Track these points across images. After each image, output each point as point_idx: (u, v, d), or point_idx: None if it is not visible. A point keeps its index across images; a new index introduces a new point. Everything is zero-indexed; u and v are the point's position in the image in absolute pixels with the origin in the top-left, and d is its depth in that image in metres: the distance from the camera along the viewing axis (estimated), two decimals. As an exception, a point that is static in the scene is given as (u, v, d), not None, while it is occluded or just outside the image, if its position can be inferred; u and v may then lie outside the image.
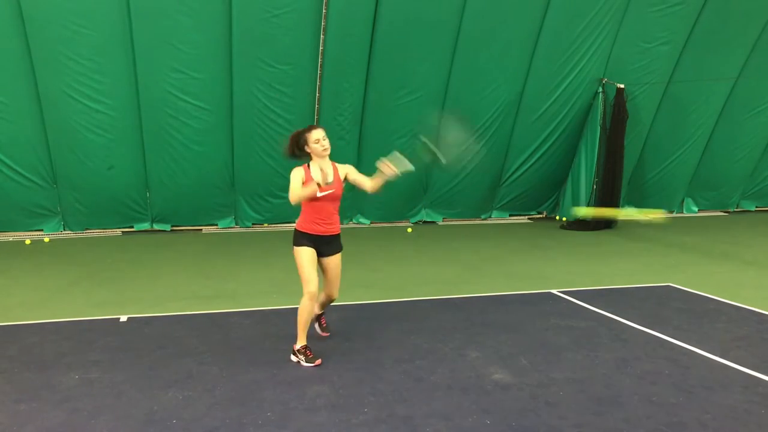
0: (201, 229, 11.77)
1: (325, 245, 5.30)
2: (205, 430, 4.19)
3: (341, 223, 5.54)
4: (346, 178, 5.36)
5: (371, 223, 12.49)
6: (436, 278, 8.37)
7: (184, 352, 5.53)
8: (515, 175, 12.81)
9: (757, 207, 14.92)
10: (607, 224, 12.33)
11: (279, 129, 11.05)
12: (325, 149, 5.20)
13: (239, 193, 11.64)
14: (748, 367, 5.25)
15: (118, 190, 11.03)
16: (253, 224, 11.98)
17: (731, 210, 14.71)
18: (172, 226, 11.68)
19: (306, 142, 5.20)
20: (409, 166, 5.10)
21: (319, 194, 5.09)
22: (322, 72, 10.72)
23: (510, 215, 13.40)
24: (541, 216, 13.70)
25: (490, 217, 13.24)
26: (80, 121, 10.30)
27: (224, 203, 11.72)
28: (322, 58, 10.59)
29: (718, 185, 14.26)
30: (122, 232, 11.42)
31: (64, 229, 11.21)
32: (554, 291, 7.64)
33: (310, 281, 5.13)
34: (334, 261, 5.38)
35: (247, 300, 7.26)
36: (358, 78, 10.97)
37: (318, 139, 5.18)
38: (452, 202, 12.77)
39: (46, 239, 10.78)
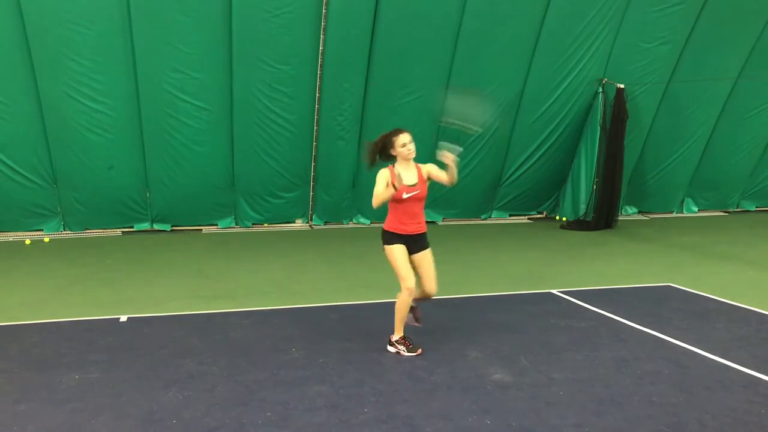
0: (201, 229, 11.76)
1: (414, 243, 5.47)
2: (205, 430, 4.19)
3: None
4: (429, 177, 5.48)
5: (371, 222, 12.46)
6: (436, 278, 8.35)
7: (184, 352, 5.53)
8: (515, 175, 12.80)
9: (757, 207, 14.89)
10: (607, 224, 12.34)
11: (279, 129, 11.05)
12: (410, 152, 5.34)
13: (239, 193, 11.63)
14: (748, 367, 5.26)
15: (118, 190, 11.02)
16: (253, 224, 11.97)
17: (731, 210, 14.69)
18: (172, 226, 11.67)
19: (392, 145, 5.34)
20: (459, 148, 5.30)
21: (405, 195, 5.25)
22: (322, 72, 10.72)
23: (510, 215, 13.38)
24: (541, 216, 13.68)
25: (490, 217, 13.23)
26: (80, 121, 10.29)
27: (224, 203, 11.71)
28: (322, 58, 10.59)
29: (718, 185, 14.24)
30: (122, 232, 11.41)
31: (64, 229, 11.20)
32: (554, 291, 7.64)
33: (407, 277, 5.36)
34: (425, 256, 5.55)
35: (247, 300, 7.26)
36: (358, 78, 10.96)
37: (405, 143, 5.32)
38: (452, 202, 12.75)
39: (46, 239, 10.77)
